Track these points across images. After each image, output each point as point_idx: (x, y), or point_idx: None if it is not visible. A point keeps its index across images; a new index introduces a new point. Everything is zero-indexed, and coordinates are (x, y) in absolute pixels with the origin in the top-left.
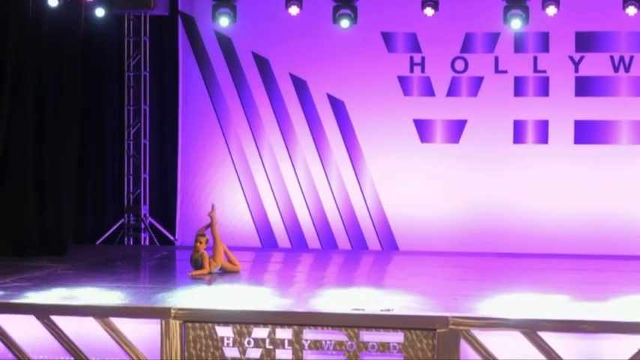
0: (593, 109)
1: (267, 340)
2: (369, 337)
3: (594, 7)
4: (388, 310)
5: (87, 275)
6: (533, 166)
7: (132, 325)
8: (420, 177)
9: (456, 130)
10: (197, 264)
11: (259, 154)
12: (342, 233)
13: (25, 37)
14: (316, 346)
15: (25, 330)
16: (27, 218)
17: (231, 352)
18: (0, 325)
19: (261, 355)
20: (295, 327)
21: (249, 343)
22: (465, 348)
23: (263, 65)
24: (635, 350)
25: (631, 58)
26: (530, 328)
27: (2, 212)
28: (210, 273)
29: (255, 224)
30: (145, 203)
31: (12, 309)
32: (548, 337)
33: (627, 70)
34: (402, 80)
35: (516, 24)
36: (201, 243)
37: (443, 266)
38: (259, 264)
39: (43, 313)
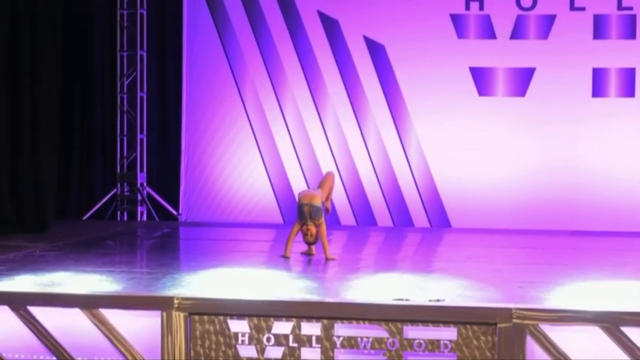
0: None
1: (291, 337)
2: (415, 333)
3: None
4: (438, 300)
5: (72, 257)
6: (616, 125)
7: (126, 317)
8: (477, 138)
9: (522, 80)
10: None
11: (281, 110)
12: (381, 207)
13: None
14: (350, 344)
15: None
16: None
17: (246, 350)
18: None
19: (284, 354)
20: (325, 321)
21: (268, 340)
22: (532, 346)
23: (285, 2)
24: None
25: None
26: (612, 323)
27: None
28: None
29: (276, 196)
30: (141, 170)
31: None
32: (634, 334)
33: None
34: (456, 19)
35: None
36: (315, 226)
37: (505, 247)
38: (282, 244)
39: (18, 303)
